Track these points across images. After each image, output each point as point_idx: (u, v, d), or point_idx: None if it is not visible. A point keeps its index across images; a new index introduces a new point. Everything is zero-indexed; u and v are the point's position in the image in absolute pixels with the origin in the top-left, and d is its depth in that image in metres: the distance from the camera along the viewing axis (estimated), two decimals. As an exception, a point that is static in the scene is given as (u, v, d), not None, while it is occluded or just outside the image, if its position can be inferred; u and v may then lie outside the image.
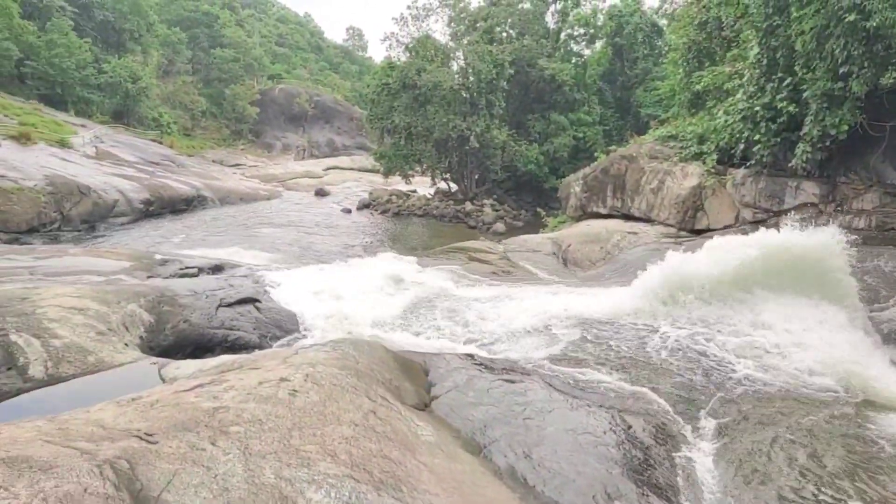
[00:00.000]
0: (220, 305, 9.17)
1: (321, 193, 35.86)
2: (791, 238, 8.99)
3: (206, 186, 30.62)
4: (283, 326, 9.02)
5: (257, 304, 9.46)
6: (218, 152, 48.51)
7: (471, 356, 7.27)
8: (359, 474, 3.90)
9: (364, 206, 32.10)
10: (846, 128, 11.65)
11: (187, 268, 11.97)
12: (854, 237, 9.08)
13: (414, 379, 6.16)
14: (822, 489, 4.85)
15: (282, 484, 3.53)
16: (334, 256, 18.39)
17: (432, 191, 33.85)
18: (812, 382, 6.87)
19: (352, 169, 47.60)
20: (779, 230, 9.49)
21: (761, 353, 7.48)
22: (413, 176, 33.39)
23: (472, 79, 30.11)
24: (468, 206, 29.71)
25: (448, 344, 8.55)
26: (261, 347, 8.33)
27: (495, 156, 30.54)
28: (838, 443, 5.56)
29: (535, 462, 4.94)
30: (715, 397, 6.61)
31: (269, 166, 47.14)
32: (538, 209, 28.61)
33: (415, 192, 34.47)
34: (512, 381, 6.48)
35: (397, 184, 35.39)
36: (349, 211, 30.57)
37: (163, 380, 5.85)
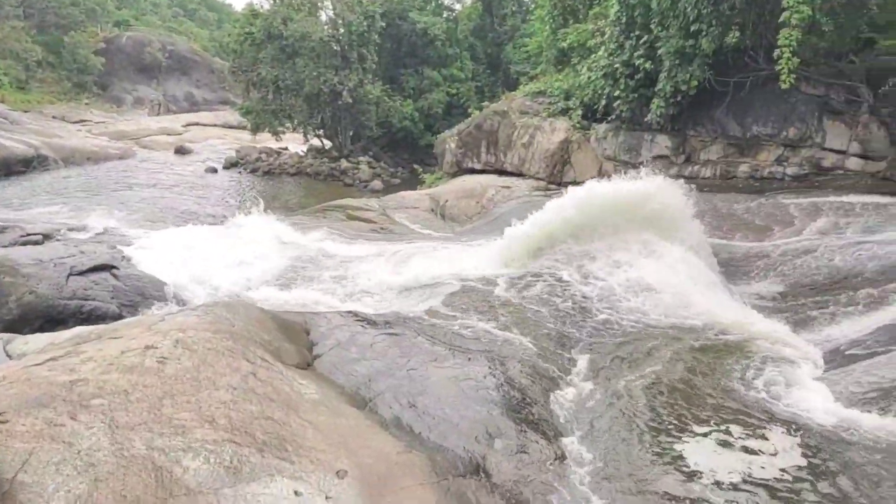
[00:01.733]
0: (70, 274, 8.36)
1: (182, 152, 33.42)
2: (637, 186, 9.61)
3: (47, 145, 27.49)
4: (147, 294, 8.42)
5: (114, 270, 8.74)
6: (59, 107, 43.58)
7: (353, 313, 7.21)
8: (240, 438, 3.76)
9: (231, 164, 30.38)
10: (696, 84, 12.59)
11: (29, 234, 10.76)
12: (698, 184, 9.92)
13: (295, 339, 6.00)
14: (672, 412, 5.38)
15: (154, 454, 3.32)
16: (202, 218, 17.36)
17: (305, 148, 32.64)
18: (671, 315, 7.53)
19: (215, 125, 44.73)
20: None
21: (624, 293, 8.06)
22: (283, 133, 31.91)
23: (342, 31, 29.06)
24: (343, 163, 29.06)
25: (329, 302, 8.42)
26: (122, 317, 7.73)
27: (370, 112, 29.92)
28: (691, 359, 6.18)
29: (419, 410, 5.03)
30: (584, 337, 7.07)
31: (119, 122, 43.07)
32: (415, 166, 28.57)
33: (286, 149, 33.08)
34: (395, 335, 6.52)
35: (267, 141, 33.72)
36: (215, 170, 28.82)
37: (9, 356, 5.28)
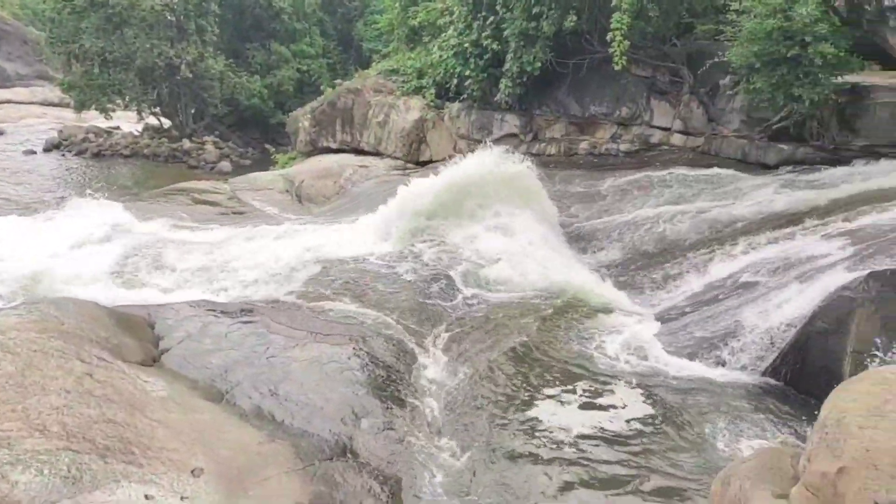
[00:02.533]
0: None
1: (-8, 133, 29.36)
2: (494, 163, 9.97)
3: None
4: (-45, 294, 7.34)
5: (-89, 270, 7.52)
6: None
7: (204, 302, 6.80)
8: (78, 444, 3.43)
9: (53, 146, 27.13)
10: (539, 65, 13.17)
11: None
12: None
13: (137, 334, 5.54)
14: (527, 374, 5.70)
15: (-28, 474, 2.93)
16: (20, 207, 15.39)
17: (140, 127, 29.93)
18: (527, 286, 7.91)
19: (32, 103, 39.68)
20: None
21: (483, 267, 8.33)
22: (114, 110, 28.96)
23: (176, 0, 26.86)
24: (186, 143, 27.06)
25: (176, 293, 7.86)
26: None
27: (213, 88, 28.02)
28: (545, 326, 6.57)
29: (281, 398, 4.88)
30: (447, 311, 7.24)
31: None
32: (266, 146, 27.23)
33: (118, 128, 30.08)
34: (252, 322, 6.25)
35: (95, 119, 30.41)
36: (33, 152, 25.64)
37: None
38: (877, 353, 4.64)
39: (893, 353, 4.40)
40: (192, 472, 3.70)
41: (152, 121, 29.60)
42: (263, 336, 5.96)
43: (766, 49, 9.65)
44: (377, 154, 16.99)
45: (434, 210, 9.56)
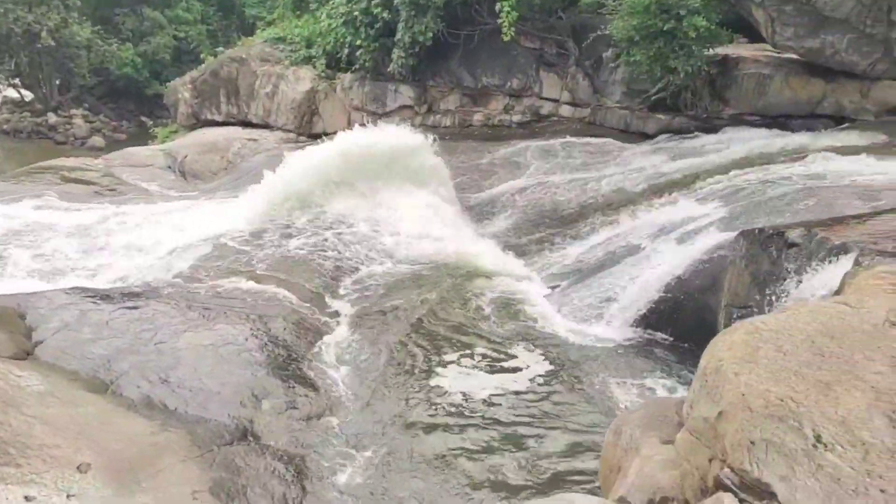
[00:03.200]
0: None
1: None
2: (389, 137, 9.87)
3: None
4: None
5: None
6: None
7: (81, 289, 6.29)
8: (-60, 452, 3.09)
9: None
10: (431, 35, 13.08)
11: None
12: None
13: (6, 326, 5.06)
14: (428, 344, 5.77)
15: None
16: None
17: (-3, 101, 27.02)
18: (426, 258, 7.94)
19: None
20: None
21: (381, 240, 8.28)
22: (-37, 81, 25.96)
23: (31, -42, 24.23)
24: (52, 117, 24.75)
25: (49, 280, 7.23)
26: None
27: (79, 57, 25.66)
28: (443, 297, 6.66)
29: (173, 385, 4.64)
30: (346, 285, 7.15)
31: None
32: (143, 118, 25.43)
33: (-32, 102, 27.04)
34: (137, 308, 5.88)
35: (-61, 92, 27.14)
36: None
37: None
38: (748, 306, 5.07)
39: (763, 305, 4.81)
40: (78, 467, 3.46)
41: (12, 93, 26.77)
42: (150, 321, 5.62)
43: (645, 22, 10.13)
44: (267, 127, 16.31)
45: (328, 182, 9.34)
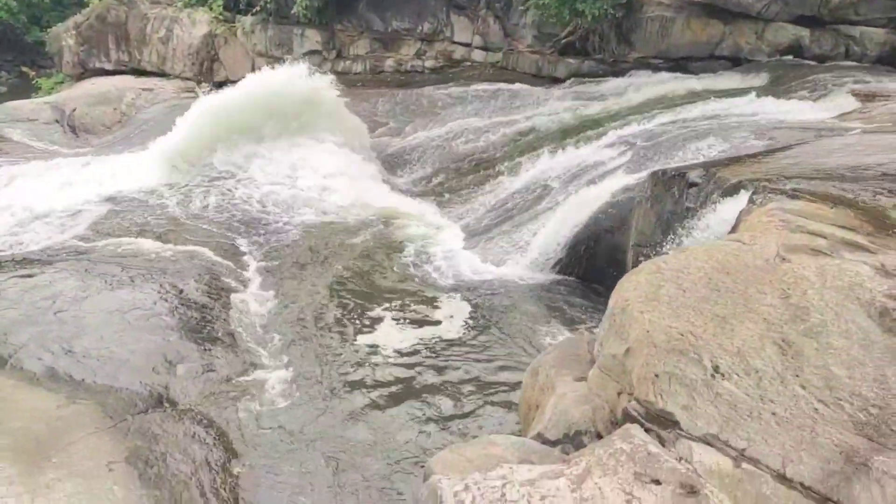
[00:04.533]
0: None
1: None
2: (289, 80, 9.42)
3: None
4: None
5: None
6: None
7: (-37, 258, 5.80)
8: None
9: None
10: (334, -26, 12.51)
11: None
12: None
13: None
14: (348, 298, 5.73)
15: None
16: None
17: None
18: (340, 211, 7.80)
19: None
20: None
21: (293, 193, 8.04)
22: None
23: None
24: (-89, 68, 22.12)
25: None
26: None
27: (-60, -2, 22.92)
28: (360, 249, 6.61)
29: (78, 355, 4.41)
30: (259, 241, 6.93)
31: None
32: (24, 68, 23.13)
33: None
34: (31, 276, 5.52)
35: None
36: None
37: None
38: (653, 244, 5.32)
39: (666, 243, 5.06)
40: (-24, 451, 3.25)
41: None
42: (48, 289, 5.29)
43: (553, -35, 10.09)
44: (163, 75, 15.26)
45: (232, 132, 8.90)
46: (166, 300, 5.33)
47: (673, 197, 5.20)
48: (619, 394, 2.58)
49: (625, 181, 6.41)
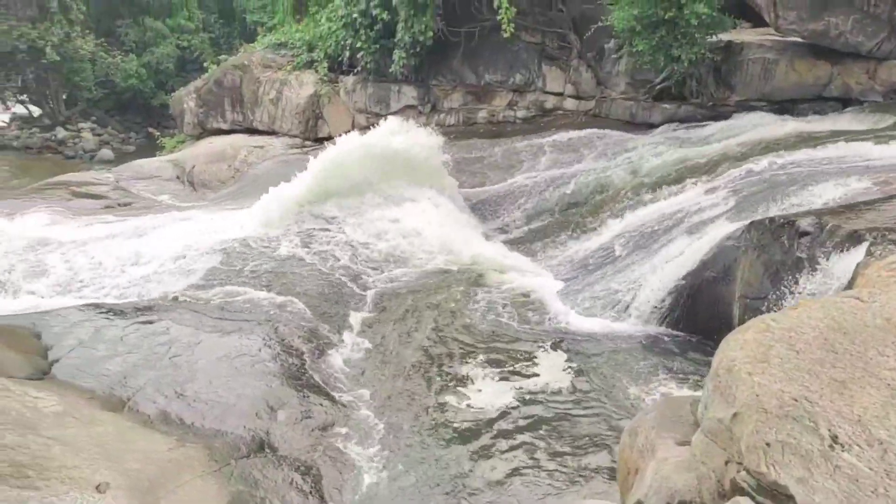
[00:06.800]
0: None
1: None
2: (393, 137, 9.85)
3: None
4: None
5: None
6: None
7: (95, 305, 6.35)
8: (-39, 477, 3.13)
9: None
10: (431, 34, 13.05)
11: None
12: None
13: (21, 346, 5.11)
14: (446, 350, 5.75)
15: None
16: None
17: (6, 117, 27.32)
18: (436, 261, 7.93)
19: None
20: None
21: (387, 243, 8.28)
22: (-28, 100, 26.28)
23: (33, -26, 24.42)
24: (61, 132, 24.99)
25: (62, 298, 7.30)
26: None
27: (84, 70, 25.89)
28: (456, 300, 6.64)
29: (189, 399, 4.67)
30: (357, 291, 7.14)
31: None
32: (151, 130, 25.58)
33: (-21, 120, 27.39)
34: (150, 322, 5.92)
35: (-51, 111, 27.50)
36: None
37: None
38: (762, 297, 5.02)
39: (776, 295, 4.77)
40: (97, 488, 3.48)
41: (20, 110, 27.07)
42: (164, 335, 5.66)
43: (645, 12, 10.04)
44: (272, 133, 16.37)
45: (333, 189, 9.36)
46: (269, 347, 5.58)
47: (782, 246, 4.92)
48: (726, 462, 2.41)
49: (729, 228, 6.13)
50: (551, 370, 5.46)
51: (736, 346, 2.61)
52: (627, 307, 6.38)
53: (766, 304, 4.92)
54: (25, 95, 26.81)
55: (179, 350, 5.37)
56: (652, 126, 11.33)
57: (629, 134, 11.08)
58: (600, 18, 11.37)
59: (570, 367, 5.54)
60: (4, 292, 7.48)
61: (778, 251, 5.02)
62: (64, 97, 26.89)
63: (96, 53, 26.11)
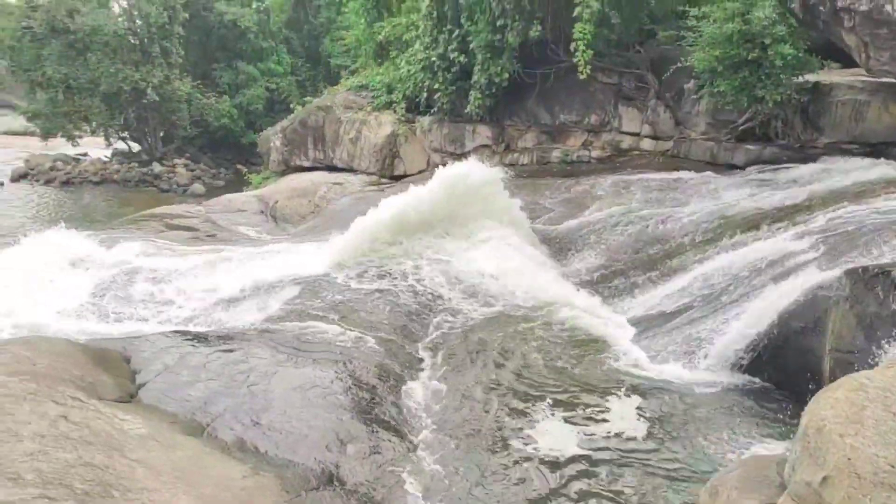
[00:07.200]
0: None
1: (-45, 165, 28.64)
2: (466, 175, 9.98)
3: None
4: (-80, 337, 7.11)
5: None
6: None
7: (180, 332, 6.68)
8: (55, 491, 3.33)
9: (20, 176, 26.62)
10: (507, 76, 13.28)
11: None
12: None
13: (112, 370, 5.42)
14: (516, 391, 5.68)
15: (-58, 534, 2.82)
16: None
17: (109, 153, 29.56)
18: (507, 299, 7.90)
19: (-5, 133, 38.90)
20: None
21: (462, 282, 8.32)
22: (81, 137, 28.60)
23: (139, 23, 26.63)
24: (157, 167, 26.79)
25: (151, 323, 7.72)
26: None
27: (181, 110, 27.80)
28: (528, 341, 6.57)
29: (264, 428, 4.80)
30: (429, 328, 7.20)
31: None
32: (239, 166, 27.06)
33: (86, 155, 29.73)
34: (231, 350, 6.15)
35: (61, 147, 29.96)
36: (0, 184, 25.15)
37: None
38: (854, 351, 4.72)
39: (871, 350, 4.47)
40: (175, 511, 3.62)
41: (121, 146, 29.28)
42: (243, 364, 5.85)
43: (728, 53, 9.87)
44: (351, 170, 16.96)
45: (406, 225, 9.54)
46: (341, 380, 5.67)
47: (877, 298, 4.63)
48: (816, 529, 2.26)
49: (819, 277, 5.81)
50: (623, 417, 5.29)
51: (827, 405, 2.46)
52: (707, 355, 6.12)
53: (858, 359, 4.61)
54: (127, 133, 28.98)
55: (256, 379, 5.54)
56: (734, 167, 11.00)
57: (710, 175, 10.78)
58: (679, 59, 11.24)
59: (643, 415, 5.34)
60: (99, 316, 7.99)
61: (872, 303, 4.72)
62: (161, 135, 28.88)
63: (192, 94, 28.00)
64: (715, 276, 7.45)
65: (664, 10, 12.54)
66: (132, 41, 26.67)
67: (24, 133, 33.78)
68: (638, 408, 5.41)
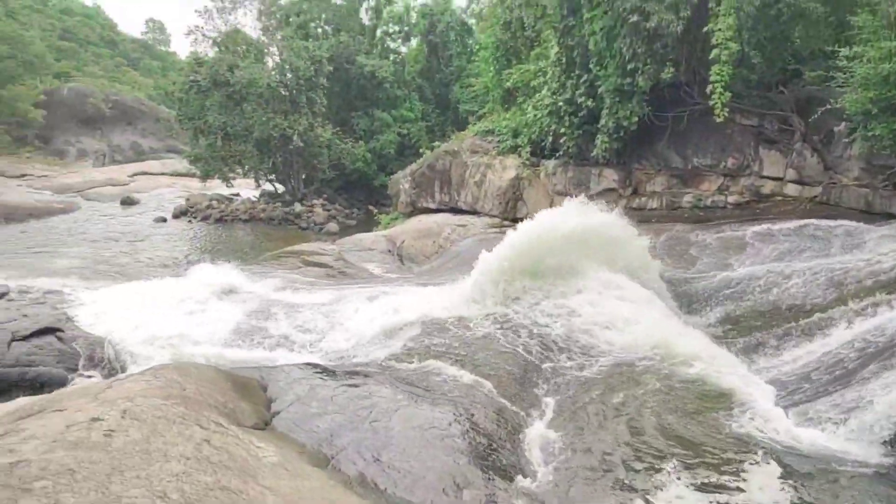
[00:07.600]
0: (13, 339, 7.98)
1: (129, 202, 32.49)
2: (591, 217, 9.75)
3: (-16, 202, 26.46)
4: (94, 357, 8.07)
5: (59, 333, 8.37)
6: (-3, 162, 42.03)
7: (312, 365, 7.05)
8: (195, 512, 3.59)
9: (181, 213, 29.70)
10: (636, 119, 13.04)
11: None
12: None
13: (251, 397, 5.82)
14: (640, 449, 5.39)
15: (104, 540, 3.14)
16: (151, 271, 16.83)
17: (257, 193, 32.32)
18: (631, 351, 7.59)
19: (163, 174, 43.77)
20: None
21: (586, 331, 8.11)
22: (234, 178, 31.61)
23: (289, 76, 29.16)
24: (297, 207, 28.84)
25: (286, 354, 8.23)
26: (68, 383, 7.38)
27: (322, 154, 29.92)
28: (654, 399, 6.24)
29: (384, 465, 4.91)
30: (549, 376, 7.07)
31: (62, 175, 41.77)
32: (370, 207, 28.52)
33: (237, 195, 32.68)
34: (356, 386, 6.38)
35: (217, 187, 33.25)
36: (164, 220, 28.12)
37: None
38: None
39: None
40: (300, 541, 3.77)
41: (268, 187, 31.93)
42: (367, 399, 6.04)
43: (883, 94, 9.07)
44: (474, 213, 17.29)
45: (529, 268, 9.46)
46: (459, 423, 5.70)
47: None
48: None
49: None
50: (763, 488, 4.84)
51: None
52: (857, 425, 5.49)
53: None
54: (274, 175, 31.57)
55: (378, 415, 5.70)
56: (892, 217, 9.95)
57: (864, 225, 9.82)
58: (828, 101, 10.48)
59: (785, 487, 4.87)
60: (242, 344, 8.65)
61: None
62: (303, 177, 31.13)
63: (332, 140, 30.06)
64: (869, 338, 6.73)
65: (810, 49, 11.78)
66: (283, 93, 29.22)
67: (187, 175, 37.84)
68: (779, 477, 4.94)
